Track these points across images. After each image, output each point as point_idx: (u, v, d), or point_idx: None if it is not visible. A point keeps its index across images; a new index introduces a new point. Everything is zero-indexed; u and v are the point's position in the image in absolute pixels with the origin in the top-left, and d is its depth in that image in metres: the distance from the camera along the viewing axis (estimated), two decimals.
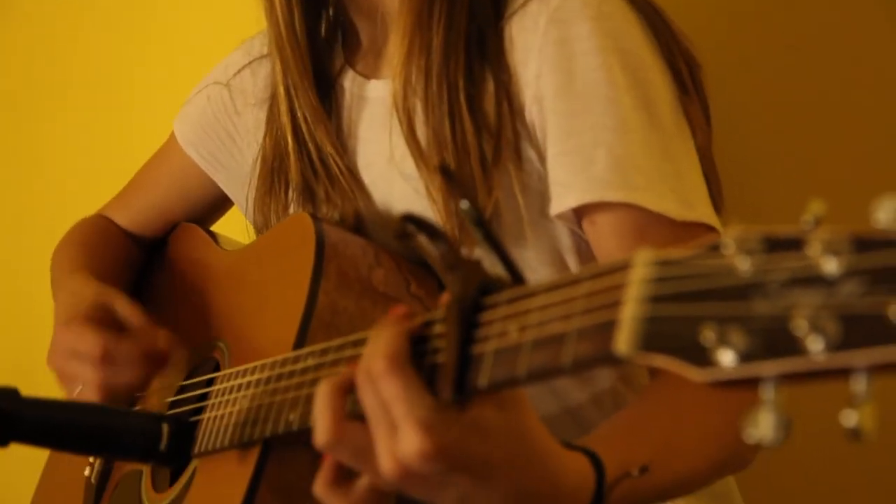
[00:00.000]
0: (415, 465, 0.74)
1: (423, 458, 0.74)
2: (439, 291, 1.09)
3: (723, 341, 0.58)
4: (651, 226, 1.04)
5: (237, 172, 1.32)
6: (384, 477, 0.76)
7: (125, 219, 1.44)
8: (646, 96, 1.06)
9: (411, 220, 0.76)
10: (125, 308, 1.21)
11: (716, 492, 1.18)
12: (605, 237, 1.06)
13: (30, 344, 1.40)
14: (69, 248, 1.40)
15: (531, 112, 1.08)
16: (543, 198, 1.09)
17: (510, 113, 1.09)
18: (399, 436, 0.75)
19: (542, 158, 1.08)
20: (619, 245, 1.05)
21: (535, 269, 1.11)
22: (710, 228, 1.06)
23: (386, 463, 0.75)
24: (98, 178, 1.60)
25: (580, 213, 1.07)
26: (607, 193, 1.04)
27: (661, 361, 0.60)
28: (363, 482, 0.80)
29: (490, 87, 1.09)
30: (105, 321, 1.19)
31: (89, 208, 1.48)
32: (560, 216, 1.08)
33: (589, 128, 1.05)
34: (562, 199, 1.06)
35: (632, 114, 1.05)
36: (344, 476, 0.81)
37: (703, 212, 1.06)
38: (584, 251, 1.11)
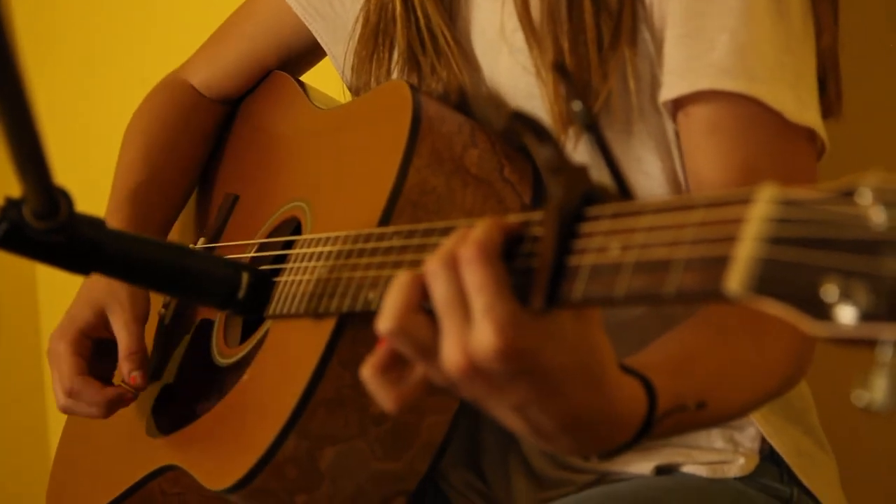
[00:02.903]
0: (484, 363, 0.71)
1: (496, 355, 0.70)
2: (533, 178, 1.06)
3: (846, 296, 0.54)
4: (761, 122, 0.98)
5: (335, 24, 1.27)
6: (445, 371, 0.73)
7: (210, 74, 1.39)
8: None
9: (520, 117, 0.72)
10: (118, 327, 1.21)
11: (795, 407, 1.15)
12: (704, 130, 1.00)
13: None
14: (135, 141, 1.37)
15: None
16: (654, 84, 1.04)
17: None
18: (473, 330, 0.71)
19: (657, 41, 1.03)
20: (718, 141, 0.99)
21: (642, 157, 1.07)
22: (814, 136, 1.01)
23: (453, 356, 0.72)
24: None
25: (679, 103, 1.02)
26: (725, 81, 0.98)
27: (774, 307, 0.57)
28: (416, 374, 0.76)
29: None
30: (101, 330, 1.22)
31: None
32: (663, 105, 1.03)
33: (714, 10, 0.99)
34: (674, 86, 1.01)
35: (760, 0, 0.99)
36: (396, 364, 0.77)
37: (814, 117, 1.01)
38: None
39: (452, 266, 0.73)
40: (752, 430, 1.11)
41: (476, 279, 0.72)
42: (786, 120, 0.98)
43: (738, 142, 0.99)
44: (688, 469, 1.10)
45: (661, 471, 1.10)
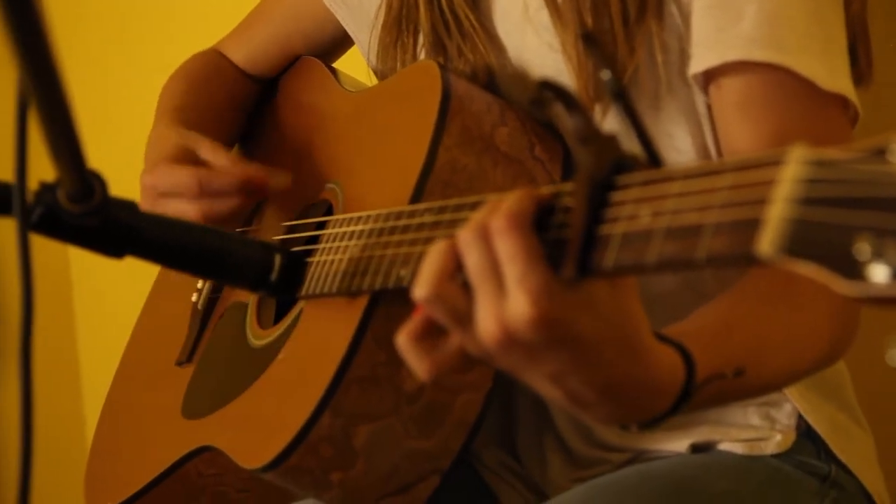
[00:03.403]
0: (519, 332, 0.71)
1: (531, 325, 0.70)
2: (563, 156, 1.05)
3: (878, 255, 0.54)
4: (793, 91, 0.98)
5: (359, 12, 1.27)
6: (481, 341, 0.73)
7: (241, 54, 1.40)
8: None
9: (549, 86, 0.72)
10: (208, 150, 1.19)
11: (830, 383, 1.14)
12: (735, 102, 1.00)
13: None
14: (175, 84, 1.37)
15: None
16: (683, 57, 1.03)
17: None
18: (507, 299, 0.71)
19: (684, 14, 1.02)
20: (750, 112, 0.99)
21: (672, 133, 1.06)
22: (847, 104, 1.00)
23: (488, 326, 0.72)
24: None
25: (710, 76, 1.01)
26: (754, 52, 0.98)
27: (806, 268, 0.56)
28: (452, 342, 0.76)
29: None
30: (190, 160, 1.18)
31: None
32: (693, 77, 1.02)
33: None
34: (703, 58, 1.00)
35: None
36: (432, 333, 0.77)
37: (846, 84, 1.00)
38: None
39: (484, 236, 0.73)
40: (788, 407, 1.10)
41: (508, 249, 0.72)
42: (817, 88, 0.97)
43: (770, 112, 0.98)
44: (724, 447, 1.10)
45: (698, 448, 1.10)
